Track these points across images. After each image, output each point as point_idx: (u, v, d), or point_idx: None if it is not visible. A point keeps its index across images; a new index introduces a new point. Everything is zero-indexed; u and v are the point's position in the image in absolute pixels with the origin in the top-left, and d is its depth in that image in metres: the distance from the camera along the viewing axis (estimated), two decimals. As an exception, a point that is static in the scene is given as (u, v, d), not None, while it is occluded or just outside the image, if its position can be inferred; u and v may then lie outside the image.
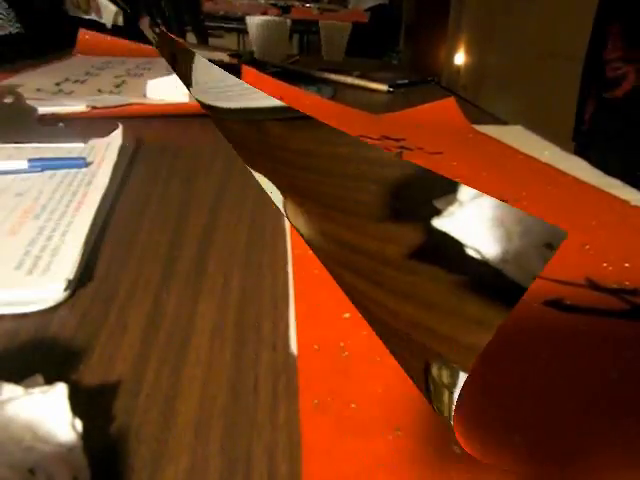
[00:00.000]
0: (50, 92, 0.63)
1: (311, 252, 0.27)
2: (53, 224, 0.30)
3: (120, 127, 0.45)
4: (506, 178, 0.44)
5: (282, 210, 0.18)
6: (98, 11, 1.16)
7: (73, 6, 1.14)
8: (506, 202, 0.10)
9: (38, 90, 0.63)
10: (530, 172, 0.46)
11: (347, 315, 0.24)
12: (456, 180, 0.11)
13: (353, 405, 0.19)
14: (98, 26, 1.13)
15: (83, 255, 0.27)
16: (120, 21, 1.20)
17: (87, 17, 1.15)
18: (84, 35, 1.03)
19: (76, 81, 0.71)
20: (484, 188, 0.40)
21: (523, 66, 1.88)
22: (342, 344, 0.22)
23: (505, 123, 0.66)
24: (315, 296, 0.26)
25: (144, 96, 0.63)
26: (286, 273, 0.28)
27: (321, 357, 0.21)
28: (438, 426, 0.18)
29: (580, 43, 0.90)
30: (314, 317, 0.24)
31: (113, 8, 1.18)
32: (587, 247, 0.32)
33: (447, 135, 0.57)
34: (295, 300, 0.25)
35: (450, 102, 0.68)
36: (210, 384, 0.20)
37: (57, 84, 0.68)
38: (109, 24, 1.17)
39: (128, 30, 1.14)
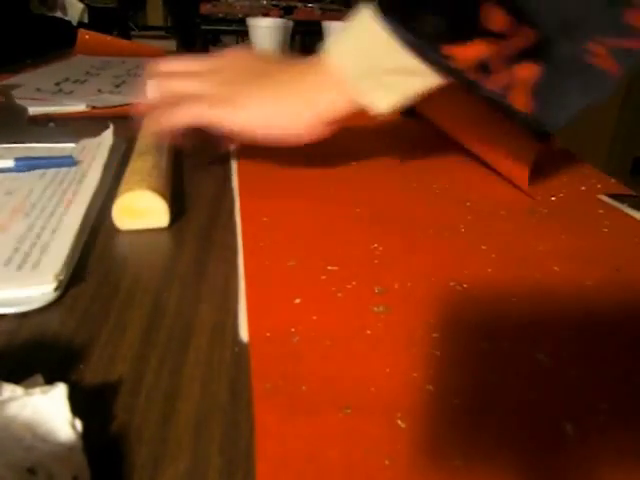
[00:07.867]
0: (50, 92, 0.63)
1: (262, 244, 0.27)
2: (43, 222, 0.30)
3: (111, 127, 0.45)
4: None
5: None
6: (63, 8, 1.13)
7: (38, 3, 1.11)
8: None
9: (38, 90, 0.63)
10: None
11: (298, 301, 0.25)
12: None
13: (304, 387, 0.20)
14: (64, 24, 1.10)
15: (73, 252, 0.27)
16: (86, 18, 1.17)
17: (51, 14, 1.13)
18: (84, 35, 1.03)
19: (76, 81, 0.71)
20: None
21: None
22: (293, 329, 0.23)
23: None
24: (266, 285, 0.26)
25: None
26: (236, 266, 0.28)
27: (273, 343, 0.22)
28: (385, 404, 0.19)
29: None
30: (266, 306, 0.25)
31: (79, 5, 1.15)
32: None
33: None
34: (246, 291, 0.26)
35: None
36: (210, 384, 0.20)
37: (57, 84, 0.68)
38: (74, 21, 1.14)
39: (95, 26, 1.10)
